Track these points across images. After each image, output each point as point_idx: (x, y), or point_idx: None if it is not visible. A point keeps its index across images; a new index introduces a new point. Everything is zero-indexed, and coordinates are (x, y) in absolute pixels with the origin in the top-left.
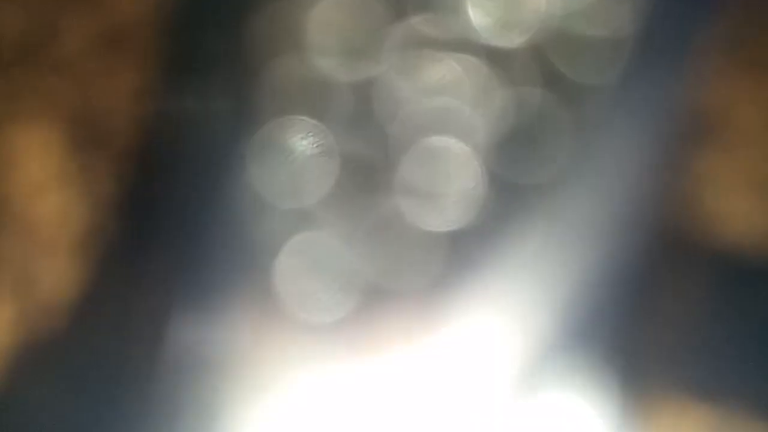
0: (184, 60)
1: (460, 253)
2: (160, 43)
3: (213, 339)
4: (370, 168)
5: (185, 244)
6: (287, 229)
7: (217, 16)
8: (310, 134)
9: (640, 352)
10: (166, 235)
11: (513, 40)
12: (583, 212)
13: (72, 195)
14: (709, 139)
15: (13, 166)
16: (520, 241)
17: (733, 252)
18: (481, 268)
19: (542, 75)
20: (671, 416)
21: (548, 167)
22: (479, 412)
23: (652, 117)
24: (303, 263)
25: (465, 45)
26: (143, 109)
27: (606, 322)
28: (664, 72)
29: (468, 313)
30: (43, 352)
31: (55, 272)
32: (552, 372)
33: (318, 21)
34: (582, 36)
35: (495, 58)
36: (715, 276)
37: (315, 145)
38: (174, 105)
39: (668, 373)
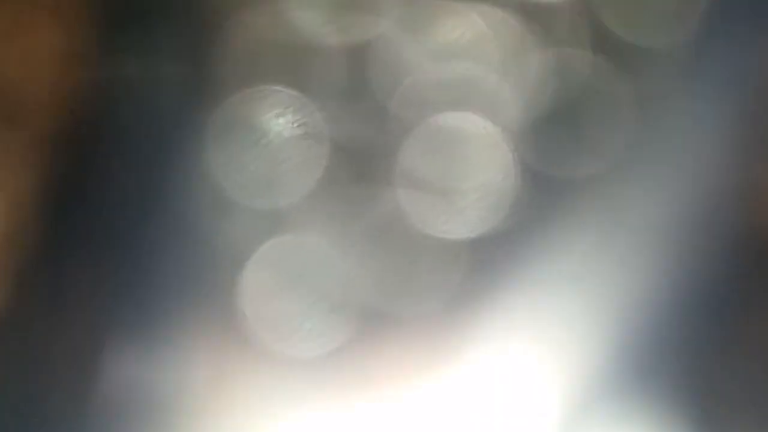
0: (121, 14)
1: (483, 267)
2: None
3: (158, 374)
4: (366, 156)
5: (124, 251)
6: (258, 234)
7: None
8: (288, 111)
9: (718, 391)
10: (100, 239)
11: None
12: (644, 214)
13: None
14: None
15: None
16: (562, 252)
17: None
18: (511, 285)
19: (592, 36)
20: None
21: (599, 156)
22: None
23: (731, 92)
24: (279, 278)
25: None
26: (70, 78)
27: (675, 353)
28: (747, 36)
29: (495, 344)
30: None
31: None
32: (605, 418)
33: None
34: None
35: (531, 11)
36: None
37: (294, 126)
38: (110, 72)
39: (754, 419)
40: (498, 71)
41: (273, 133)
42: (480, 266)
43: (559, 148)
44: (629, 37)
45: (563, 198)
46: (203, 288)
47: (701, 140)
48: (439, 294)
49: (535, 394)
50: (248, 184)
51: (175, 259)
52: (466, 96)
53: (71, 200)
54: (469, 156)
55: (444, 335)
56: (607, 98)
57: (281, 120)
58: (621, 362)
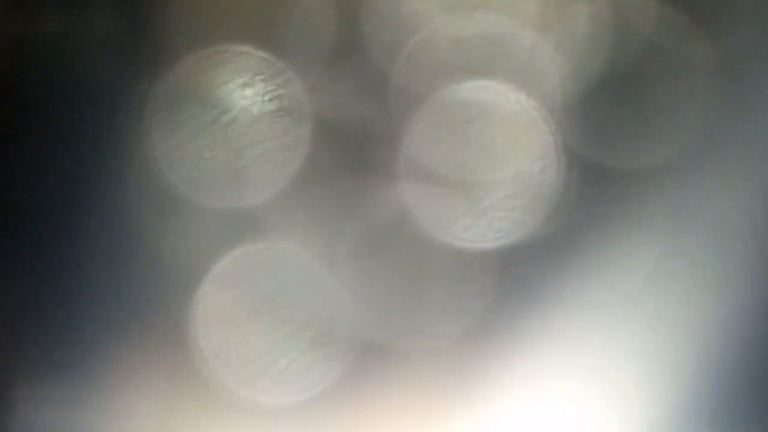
0: None
1: (515, 285)
2: None
3: (84, 424)
4: (361, 139)
5: (42, 260)
6: (219, 241)
7: None
8: (257, 79)
9: None
10: (12, 243)
11: None
12: (724, 214)
13: None
14: None
15: None
16: (619, 265)
17: None
18: (552, 310)
19: None
20: None
21: (667, 140)
22: None
23: None
24: (246, 299)
25: None
26: None
27: (757, 389)
28: None
29: (530, 387)
30: None
31: None
32: None
33: None
34: None
35: None
36: None
37: (266, 99)
38: (25, 28)
39: None
40: (534, 26)
41: (238, 109)
42: (511, 285)
43: (614, 129)
44: None
45: (621, 195)
46: (146, 311)
47: None
48: (458, 321)
49: None
50: (205, 176)
51: (110, 272)
52: (492, 60)
53: None
54: (496, 140)
55: (463, 375)
56: (678, 63)
57: (248, 91)
58: (699, 409)
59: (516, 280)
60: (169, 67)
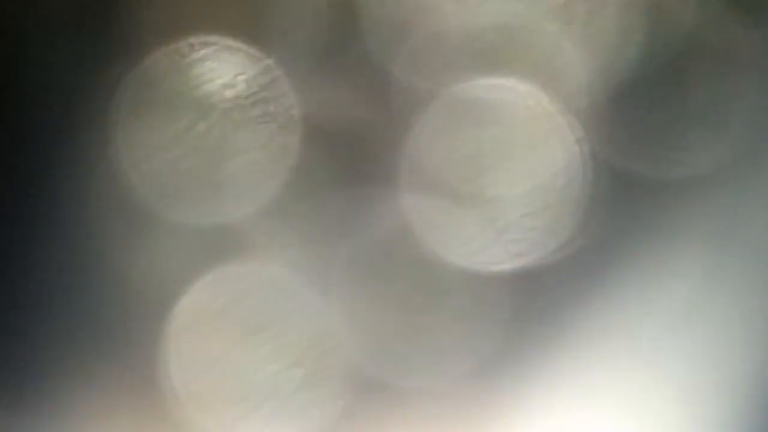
0: None
1: (535, 313)
2: None
3: None
4: (357, 145)
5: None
6: (194, 261)
7: None
8: (241, 77)
9: None
10: None
11: None
12: (761, 230)
13: None
14: None
15: None
16: (655, 288)
17: None
18: (577, 340)
19: None
20: None
21: (707, 146)
22: None
23: None
24: (224, 330)
25: None
26: None
27: None
28: None
29: (549, 424)
30: None
31: None
32: None
33: None
34: None
35: None
36: None
37: (250, 99)
38: None
39: None
40: (557, 15)
41: (216, 113)
42: (530, 313)
43: (649, 134)
44: None
45: (655, 209)
46: (109, 342)
47: None
48: (469, 356)
49: None
50: (179, 190)
51: (67, 298)
52: (509, 55)
53: None
54: (513, 147)
55: (474, 417)
56: (722, 60)
57: (229, 93)
58: None
59: (536, 308)
60: (136, 63)
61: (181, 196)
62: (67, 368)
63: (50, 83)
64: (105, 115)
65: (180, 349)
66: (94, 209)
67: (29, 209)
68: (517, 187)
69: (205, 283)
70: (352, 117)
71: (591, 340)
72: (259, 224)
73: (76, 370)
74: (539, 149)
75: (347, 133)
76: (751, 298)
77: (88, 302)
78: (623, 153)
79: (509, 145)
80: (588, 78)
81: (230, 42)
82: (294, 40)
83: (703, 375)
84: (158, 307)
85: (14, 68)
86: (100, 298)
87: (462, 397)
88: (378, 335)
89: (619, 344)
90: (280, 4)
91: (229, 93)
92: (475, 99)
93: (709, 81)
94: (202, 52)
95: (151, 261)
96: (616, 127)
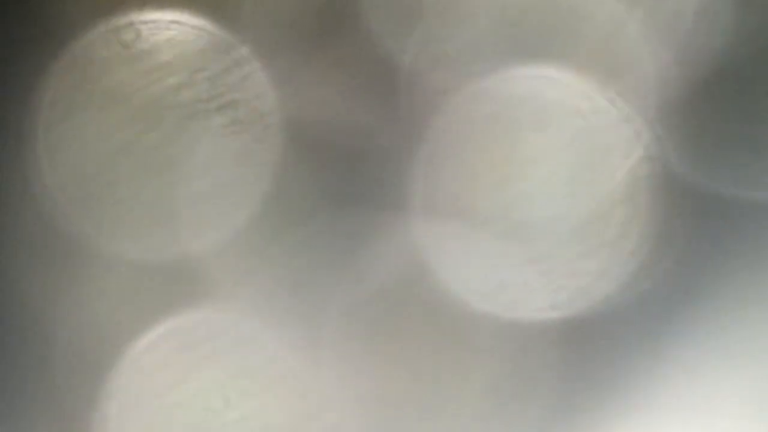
0: None
1: (584, 373)
2: None
3: None
4: (357, 156)
5: None
6: (142, 308)
7: None
8: (203, 77)
9: None
10: None
11: None
12: None
13: None
14: None
15: None
16: (727, 334)
17: None
18: (633, 407)
19: None
20: None
21: None
22: None
23: None
24: (178, 392)
25: None
26: None
27: None
28: None
29: None
30: None
31: None
32: None
33: None
34: None
35: None
36: None
37: (215, 107)
38: None
39: None
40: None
41: (171, 115)
42: (580, 373)
43: (733, 145)
44: None
45: (742, 237)
46: (39, 403)
47: None
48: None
49: None
50: (123, 219)
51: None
52: (554, 39)
53: None
54: (559, 160)
55: None
56: None
57: (186, 94)
58: None
59: (588, 369)
60: (61, 49)
61: (126, 226)
62: None
63: None
64: (22, 117)
65: (121, 413)
66: (19, 244)
67: None
68: (563, 213)
69: (155, 335)
70: (349, 124)
71: (658, 412)
72: (224, 261)
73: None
74: (594, 164)
75: (342, 144)
76: None
77: (17, 354)
78: (702, 168)
79: (553, 158)
80: (659, 72)
81: (190, 21)
82: (275, 22)
83: None
84: (97, 361)
85: None
86: (30, 349)
87: None
88: (381, 406)
89: (690, 399)
90: None
91: (187, 93)
92: (507, 98)
93: None
94: (151, 34)
95: (87, 306)
96: (692, 135)
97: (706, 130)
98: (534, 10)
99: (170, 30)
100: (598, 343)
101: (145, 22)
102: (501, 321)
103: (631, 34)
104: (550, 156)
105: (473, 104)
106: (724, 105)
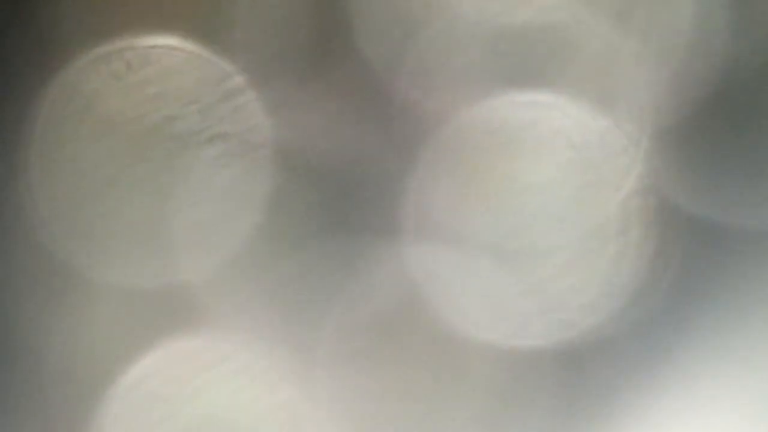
0: None
1: (583, 402)
2: None
3: None
4: (350, 181)
5: None
6: (134, 336)
7: None
8: (193, 109)
9: None
10: None
11: None
12: None
13: None
14: None
15: None
16: (728, 366)
17: None
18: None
19: None
20: None
21: None
22: None
23: None
24: (172, 420)
25: None
26: None
27: None
28: None
29: None
30: None
31: None
32: None
33: None
34: None
35: None
36: None
37: (207, 138)
38: None
39: None
40: (613, 15)
41: (164, 144)
42: (578, 401)
43: (733, 172)
44: None
45: (742, 267)
46: (33, 430)
47: None
48: None
49: None
50: (114, 247)
51: None
52: (550, 64)
53: None
54: (555, 186)
55: None
56: None
57: (179, 125)
58: None
59: (587, 396)
60: (51, 75)
61: (117, 253)
62: None
63: None
64: (14, 146)
65: None
66: (5, 268)
67: None
68: (561, 239)
69: (148, 363)
70: (342, 151)
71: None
72: (218, 289)
73: None
74: (591, 189)
75: (336, 172)
76: None
77: (7, 382)
78: (697, 197)
79: (550, 183)
80: (656, 97)
81: (183, 48)
82: (268, 50)
83: None
84: (88, 389)
85: None
86: (15, 380)
87: None
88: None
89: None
90: (252, 7)
91: (180, 123)
92: (501, 125)
93: None
94: (145, 63)
95: (79, 334)
96: (687, 163)
97: (701, 159)
98: (528, 37)
99: (163, 57)
100: (594, 372)
101: (139, 49)
102: (495, 348)
103: (626, 61)
104: (545, 183)
105: (467, 131)
106: (719, 133)
